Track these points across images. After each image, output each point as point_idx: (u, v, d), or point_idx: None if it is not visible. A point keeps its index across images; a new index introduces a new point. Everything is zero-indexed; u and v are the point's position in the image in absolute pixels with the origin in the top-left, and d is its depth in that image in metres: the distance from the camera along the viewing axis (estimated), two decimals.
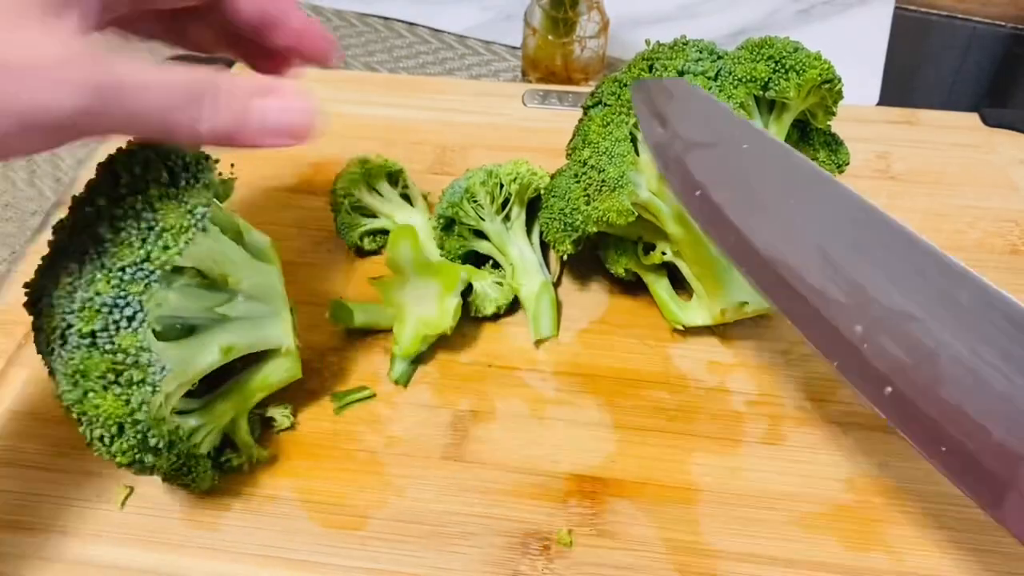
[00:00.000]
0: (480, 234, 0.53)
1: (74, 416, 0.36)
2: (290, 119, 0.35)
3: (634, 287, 0.53)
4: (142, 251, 0.36)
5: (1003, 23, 0.88)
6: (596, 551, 0.41)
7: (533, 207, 0.54)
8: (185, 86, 0.32)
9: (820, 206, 0.36)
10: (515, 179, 0.52)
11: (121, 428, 0.36)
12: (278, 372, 0.44)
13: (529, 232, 0.54)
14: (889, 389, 0.33)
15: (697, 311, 0.50)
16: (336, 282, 0.55)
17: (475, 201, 0.52)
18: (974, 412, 0.30)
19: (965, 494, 0.31)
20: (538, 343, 0.51)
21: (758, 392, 0.49)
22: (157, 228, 0.37)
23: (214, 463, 0.42)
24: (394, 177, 0.57)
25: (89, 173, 0.62)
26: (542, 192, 0.53)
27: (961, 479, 0.31)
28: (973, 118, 0.67)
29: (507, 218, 0.53)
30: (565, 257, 0.52)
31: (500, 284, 0.52)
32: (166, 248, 0.36)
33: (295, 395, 0.48)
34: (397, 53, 0.84)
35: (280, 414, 0.46)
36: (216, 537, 0.42)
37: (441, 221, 0.53)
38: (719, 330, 0.51)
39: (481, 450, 0.46)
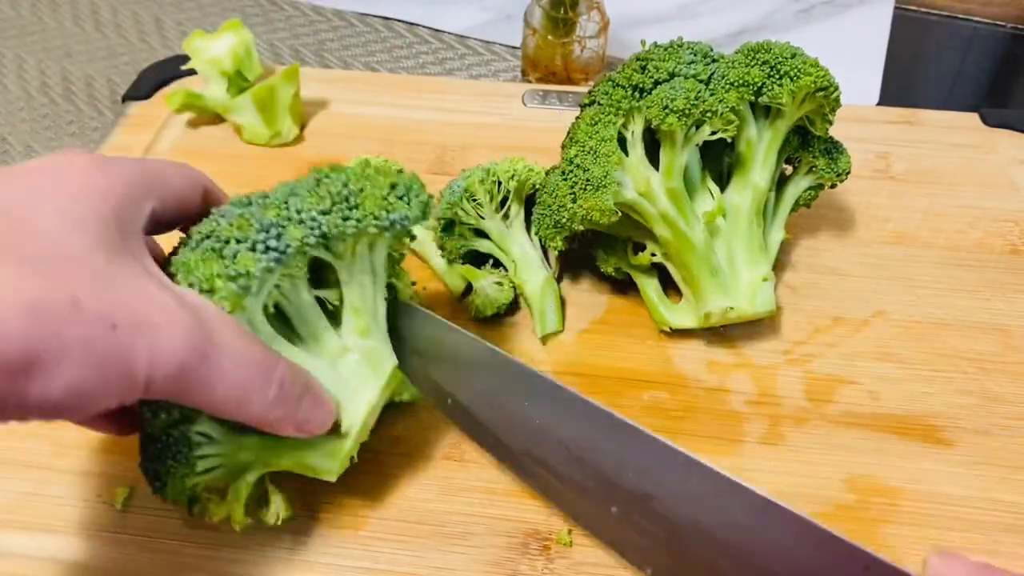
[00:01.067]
0: (480, 233, 0.53)
1: None
2: (320, 419, 0.38)
3: (634, 287, 0.53)
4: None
5: (1003, 23, 0.88)
6: (596, 551, 0.41)
7: (532, 204, 0.54)
8: (263, 367, 0.34)
9: (549, 405, 0.40)
10: (513, 176, 0.52)
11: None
12: (317, 459, 0.39)
13: (529, 229, 0.54)
14: (650, 571, 0.38)
15: (685, 313, 0.50)
16: None
17: (474, 200, 0.52)
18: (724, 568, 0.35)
19: None
20: (544, 339, 0.51)
21: (758, 392, 0.49)
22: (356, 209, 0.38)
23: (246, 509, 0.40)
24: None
25: None
26: (537, 189, 0.53)
27: None
28: (973, 118, 0.67)
29: (506, 216, 0.53)
30: (556, 253, 0.52)
31: (500, 284, 0.52)
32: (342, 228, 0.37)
33: None
34: (397, 53, 0.84)
35: (277, 502, 0.41)
36: (216, 537, 0.42)
37: (441, 222, 0.53)
38: (719, 330, 0.51)
39: (481, 450, 0.46)
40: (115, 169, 0.34)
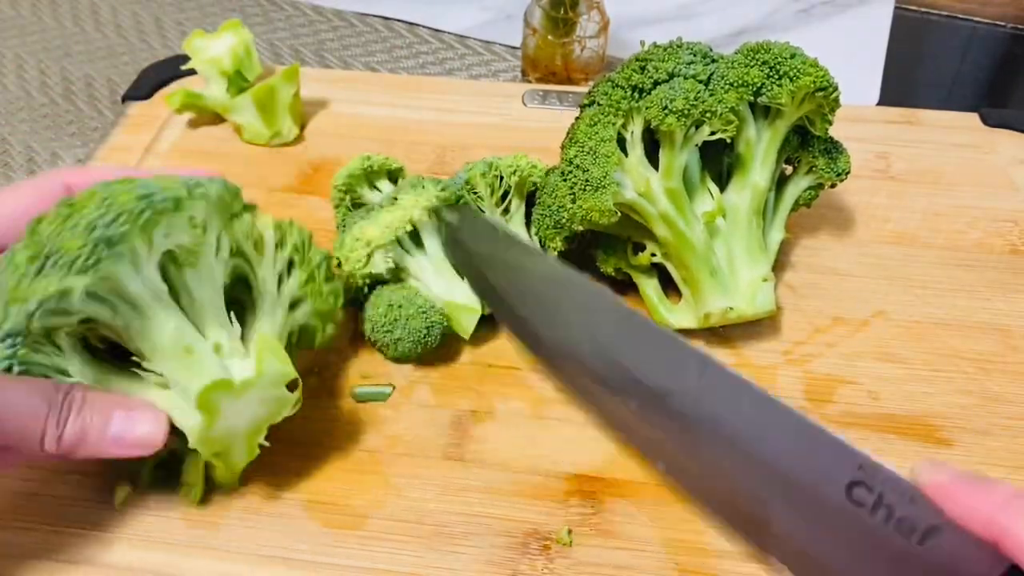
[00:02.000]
0: None
1: None
2: (141, 433, 0.37)
3: (634, 287, 0.53)
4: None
5: (1003, 23, 0.88)
6: (596, 551, 0.41)
7: (533, 200, 0.54)
8: (44, 393, 0.35)
9: (591, 311, 0.42)
10: (515, 172, 0.52)
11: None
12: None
13: (529, 225, 0.54)
14: (662, 464, 0.40)
15: (684, 314, 0.50)
16: None
17: (475, 193, 0.52)
18: (729, 465, 0.36)
19: (734, 536, 0.37)
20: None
21: None
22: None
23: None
24: (395, 175, 0.57)
25: None
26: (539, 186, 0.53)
27: (730, 525, 0.37)
28: (973, 118, 0.67)
29: (507, 211, 0.53)
30: (556, 253, 0.52)
31: None
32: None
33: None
34: (397, 53, 0.84)
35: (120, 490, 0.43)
36: (216, 537, 0.42)
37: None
38: (719, 330, 0.51)
39: (481, 450, 0.46)
40: None
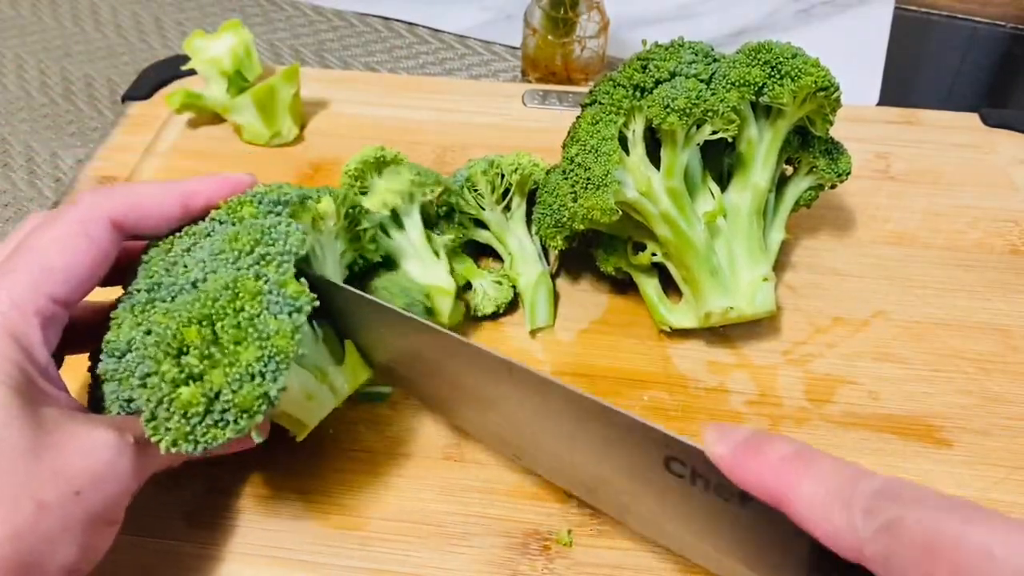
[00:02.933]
0: (480, 224, 0.53)
1: None
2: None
3: (634, 287, 0.53)
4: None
5: (1003, 23, 0.88)
6: (596, 551, 0.41)
7: (534, 198, 0.54)
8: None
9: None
10: (516, 170, 0.52)
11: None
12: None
13: (530, 223, 0.54)
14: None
15: (684, 313, 0.50)
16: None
17: (475, 190, 0.52)
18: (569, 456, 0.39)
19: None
20: (533, 332, 0.52)
21: (758, 392, 0.49)
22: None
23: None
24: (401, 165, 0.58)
25: (89, 172, 0.63)
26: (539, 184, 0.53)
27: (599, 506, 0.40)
28: (973, 118, 0.67)
29: (507, 208, 0.53)
30: (557, 264, 0.52)
31: (500, 283, 0.52)
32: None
33: None
34: (397, 53, 0.84)
35: None
36: (216, 537, 0.42)
37: (442, 209, 0.53)
38: (719, 330, 0.51)
39: (481, 450, 0.46)
40: None
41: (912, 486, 0.26)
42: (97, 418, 0.35)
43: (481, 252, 0.55)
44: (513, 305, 0.53)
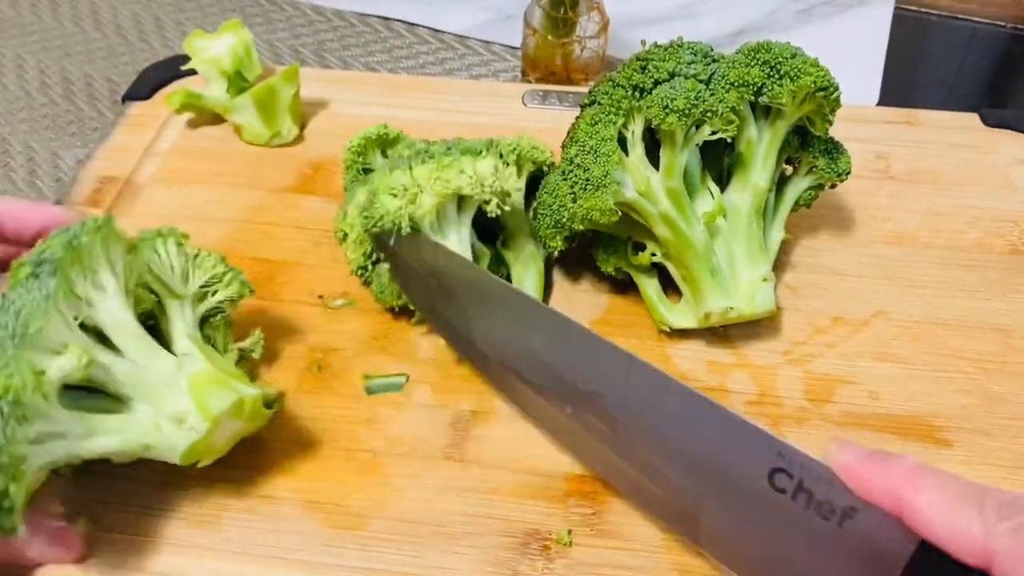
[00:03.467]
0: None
1: None
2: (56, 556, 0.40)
3: (634, 287, 0.53)
4: None
5: (1003, 23, 0.88)
6: (596, 551, 0.41)
7: (537, 182, 0.54)
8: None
9: (523, 319, 0.44)
10: (514, 150, 0.52)
11: None
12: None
13: (528, 206, 0.54)
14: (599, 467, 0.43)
15: (684, 313, 0.50)
16: (335, 282, 0.55)
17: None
18: (658, 461, 0.39)
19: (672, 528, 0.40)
20: None
21: (758, 392, 0.49)
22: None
23: None
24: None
25: (89, 172, 0.63)
26: (545, 168, 0.53)
27: (667, 520, 0.40)
28: (973, 118, 0.67)
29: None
30: (556, 254, 0.52)
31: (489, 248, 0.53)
32: None
33: (296, 394, 0.48)
34: (397, 53, 0.84)
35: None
36: (216, 537, 0.42)
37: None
38: (719, 330, 0.51)
39: (481, 450, 0.46)
40: None
41: None
42: None
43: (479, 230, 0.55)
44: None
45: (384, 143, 0.57)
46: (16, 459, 0.34)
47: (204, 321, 0.45)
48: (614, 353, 0.40)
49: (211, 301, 0.45)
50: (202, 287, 0.44)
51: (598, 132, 0.48)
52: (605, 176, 0.46)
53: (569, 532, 0.42)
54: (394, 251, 0.49)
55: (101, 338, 0.39)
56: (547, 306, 0.43)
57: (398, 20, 0.88)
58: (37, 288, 0.36)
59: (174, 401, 0.39)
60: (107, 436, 0.38)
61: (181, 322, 0.43)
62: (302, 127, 0.67)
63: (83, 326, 0.38)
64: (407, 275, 0.49)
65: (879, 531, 0.31)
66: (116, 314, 0.39)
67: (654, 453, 0.39)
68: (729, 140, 0.48)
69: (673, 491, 0.38)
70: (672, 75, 0.48)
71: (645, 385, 0.39)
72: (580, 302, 0.54)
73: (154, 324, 0.43)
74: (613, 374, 0.40)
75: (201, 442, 0.39)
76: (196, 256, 0.44)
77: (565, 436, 0.44)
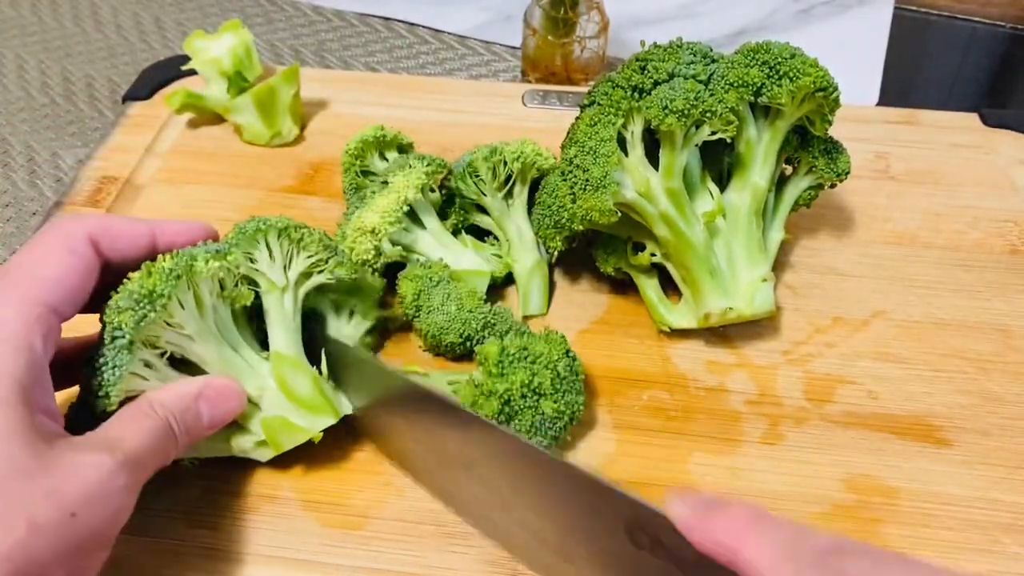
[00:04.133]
0: (481, 209, 0.54)
1: None
2: (226, 408, 0.41)
3: (633, 287, 0.53)
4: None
5: (1003, 23, 0.88)
6: None
7: (537, 187, 0.54)
8: (160, 430, 0.37)
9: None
10: (518, 157, 0.53)
11: None
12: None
13: (531, 211, 0.54)
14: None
15: (684, 314, 0.50)
16: None
17: (477, 176, 0.52)
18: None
19: None
20: (526, 319, 0.52)
21: (758, 392, 0.49)
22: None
23: None
24: (404, 149, 0.59)
25: (89, 172, 0.63)
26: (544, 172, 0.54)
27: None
28: (973, 118, 0.67)
29: (509, 195, 0.54)
30: (555, 254, 0.52)
31: (498, 257, 0.53)
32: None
33: None
34: (397, 53, 0.84)
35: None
36: (216, 537, 0.42)
37: (443, 193, 0.54)
38: (719, 331, 0.51)
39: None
40: None
41: (862, 545, 0.28)
42: (88, 439, 0.35)
43: (483, 235, 0.56)
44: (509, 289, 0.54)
45: (381, 144, 0.57)
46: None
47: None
48: (480, 423, 0.39)
49: (312, 283, 0.45)
50: (304, 273, 0.45)
51: (597, 132, 0.48)
52: (604, 176, 0.46)
53: None
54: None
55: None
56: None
57: (398, 20, 0.88)
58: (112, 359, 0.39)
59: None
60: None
61: (278, 316, 0.44)
62: (302, 127, 0.67)
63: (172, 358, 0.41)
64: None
65: None
66: (198, 352, 0.41)
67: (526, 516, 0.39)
68: (728, 140, 0.48)
69: (551, 551, 0.39)
70: (671, 75, 0.48)
71: (508, 452, 0.38)
72: (580, 302, 0.54)
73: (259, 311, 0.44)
74: (480, 441, 0.39)
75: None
76: (300, 240, 0.44)
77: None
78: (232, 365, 0.42)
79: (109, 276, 0.40)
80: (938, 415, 0.47)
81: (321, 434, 0.42)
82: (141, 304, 0.38)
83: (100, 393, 0.38)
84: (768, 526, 0.29)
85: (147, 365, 0.40)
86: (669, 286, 0.52)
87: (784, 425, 0.47)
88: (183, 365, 0.42)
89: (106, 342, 0.38)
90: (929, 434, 0.46)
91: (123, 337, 0.38)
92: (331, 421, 0.42)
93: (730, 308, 0.48)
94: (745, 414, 0.47)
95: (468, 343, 0.48)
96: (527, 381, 0.42)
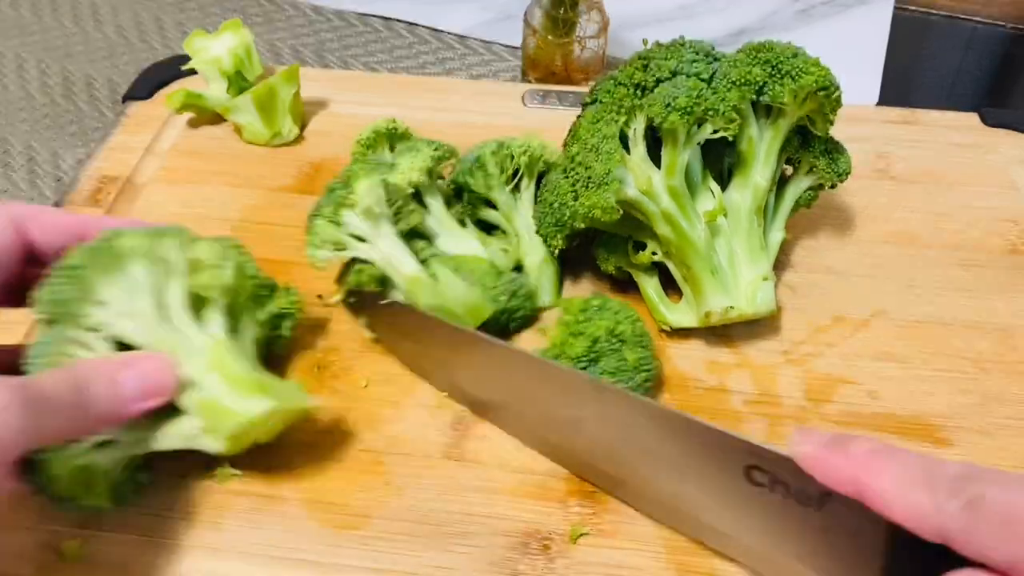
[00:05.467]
0: (489, 204, 0.54)
1: None
2: (156, 380, 0.39)
3: (634, 287, 0.53)
4: None
5: (1003, 23, 0.88)
6: (596, 551, 0.41)
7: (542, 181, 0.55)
8: (73, 384, 0.36)
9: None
10: (526, 151, 0.53)
11: None
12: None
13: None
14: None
15: (684, 313, 0.50)
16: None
17: (485, 170, 0.53)
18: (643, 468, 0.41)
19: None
20: (539, 311, 0.52)
21: (758, 392, 0.49)
22: None
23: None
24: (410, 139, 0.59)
25: (89, 172, 0.63)
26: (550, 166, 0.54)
27: (670, 523, 0.42)
28: (973, 118, 0.67)
29: (516, 189, 0.54)
30: (556, 252, 0.52)
31: (506, 251, 0.53)
32: None
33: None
34: (397, 53, 0.84)
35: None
36: (216, 537, 0.42)
37: (451, 187, 0.54)
38: (719, 330, 0.51)
39: (481, 450, 0.46)
40: None
41: (990, 469, 0.29)
42: None
43: (491, 230, 0.56)
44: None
45: (393, 137, 0.58)
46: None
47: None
48: (588, 383, 0.41)
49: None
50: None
51: (600, 130, 0.48)
52: (607, 174, 0.46)
53: (579, 531, 0.42)
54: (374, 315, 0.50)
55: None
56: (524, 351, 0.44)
57: (398, 20, 0.88)
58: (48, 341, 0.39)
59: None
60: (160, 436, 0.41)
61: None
62: (302, 127, 0.67)
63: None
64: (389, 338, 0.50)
65: (854, 512, 0.31)
66: (133, 333, 0.40)
67: (641, 464, 0.40)
68: (730, 139, 0.48)
69: (662, 494, 0.40)
70: (674, 74, 0.48)
71: (618, 407, 0.40)
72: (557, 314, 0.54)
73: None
74: (587, 400, 0.41)
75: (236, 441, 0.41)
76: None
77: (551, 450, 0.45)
78: (170, 344, 0.40)
79: (38, 267, 0.41)
80: (938, 415, 0.47)
81: (271, 428, 0.42)
82: (62, 280, 0.39)
83: (29, 370, 0.38)
84: (896, 457, 0.30)
85: (82, 345, 0.39)
86: (670, 286, 0.52)
87: (784, 425, 0.47)
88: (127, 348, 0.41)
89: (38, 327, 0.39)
90: (929, 434, 0.46)
91: (44, 315, 0.39)
92: (266, 405, 0.40)
93: (731, 307, 0.48)
94: (745, 414, 0.47)
95: (502, 316, 0.50)
96: (611, 328, 0.45)
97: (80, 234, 0.42)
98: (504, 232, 0.55)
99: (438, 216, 0.52)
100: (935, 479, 0.28)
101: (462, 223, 0.53)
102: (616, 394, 0.40)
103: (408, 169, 0.51)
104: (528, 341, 0.51)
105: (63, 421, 0.36)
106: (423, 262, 0.49)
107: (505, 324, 0.50)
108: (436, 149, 0.53)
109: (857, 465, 0.30)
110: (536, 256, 0.53)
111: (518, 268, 0.53)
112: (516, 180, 0.54)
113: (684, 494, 0.39)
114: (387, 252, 0.48)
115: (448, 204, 0.54)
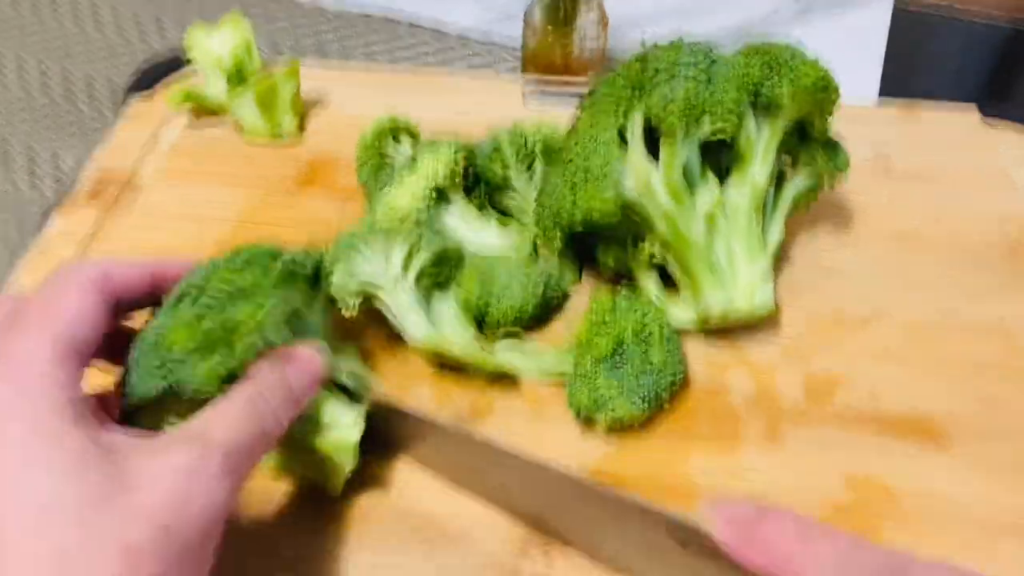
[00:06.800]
0: (505, 189, 0.55)
1: None
2: (313, 372, 0.39)
3: (634, 286, 0.53)
4: None
5: (1003, 21, 0.88)
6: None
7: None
8: (249, 407, 0.35)
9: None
10: (539, 134, 0.54)
11: None
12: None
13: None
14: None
15: (683, 311, 0.50)
16: None
17: (502, 155, 0.54)
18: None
19: None
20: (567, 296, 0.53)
21: (757, 391, 0.49)
22: None
23: None
24: (413, 133, 0.60)
25: (90, 172, 0.63)
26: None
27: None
28: (973, 116, 0.67)
29: (531, 170, 0.55)
30: (555, 252, 0.52)
31: (524, 236, 0.54)
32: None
33: None
34: (398, 53, 0.84)
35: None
36: None
37: (468, 174, 0.55)
38: (718, 329, 0.51)
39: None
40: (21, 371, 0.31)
41: (914, 558, 0.27)
42: (163, 438, 0.32)
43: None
44: None
45: (395, 130, 0.59)
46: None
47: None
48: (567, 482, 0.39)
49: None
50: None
51: (598, 128, 0.48)
52: (605, 173, 0.46)
53: None
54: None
55: None
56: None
57: (399, 19, 0.88)
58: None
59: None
60: None
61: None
62: (303, 124, 0.67)
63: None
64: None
65: None
66: None
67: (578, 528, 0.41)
68: (728, 139, 0.48)
69: (607, 551, 0.40)
70: (672, 72, 0.48)
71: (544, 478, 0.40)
72: (579, 301, 0.54)
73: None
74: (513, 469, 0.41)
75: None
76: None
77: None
78: None
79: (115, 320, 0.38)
80: (938, 415, 0.47)
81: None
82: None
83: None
84: (818, 540, 0.28)
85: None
86: (668, 283, 0.52)
87: (784, 425, 0.47)
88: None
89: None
90: (930, 434, 0.46)
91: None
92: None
93: (730, 306, 0.48)
94: (745, 414, 0.47)
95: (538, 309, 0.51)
96: (638, 329, 0.45)
97: (158, 275, 0.39)
98: (519, 219, 0.55)
99: (461, 212, 0.53)
100: (856, 570, 0.27)
101: (480, 208, 0.54)
102: (539, 468, 0.39)
103: (432, 169, 0.52)
104: (555, 332, 0.52)
105: (252, 452, 0.34)
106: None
107: (541, 314, 0.51)
108: (456, 150, 0.54)
109: (778, 547, 0.29)
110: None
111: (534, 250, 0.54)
112: (531, 163, 0.55)
113: (625, 552, 0.39)
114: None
115: (467, 194, 0.55)
